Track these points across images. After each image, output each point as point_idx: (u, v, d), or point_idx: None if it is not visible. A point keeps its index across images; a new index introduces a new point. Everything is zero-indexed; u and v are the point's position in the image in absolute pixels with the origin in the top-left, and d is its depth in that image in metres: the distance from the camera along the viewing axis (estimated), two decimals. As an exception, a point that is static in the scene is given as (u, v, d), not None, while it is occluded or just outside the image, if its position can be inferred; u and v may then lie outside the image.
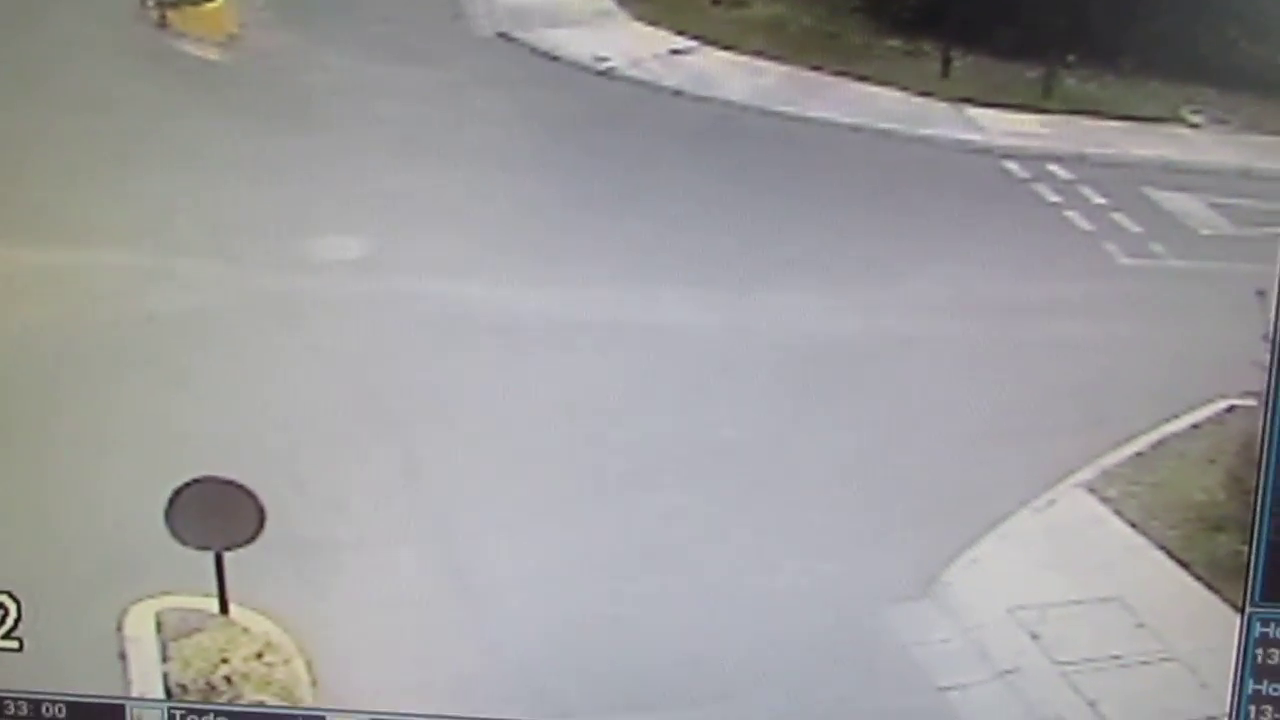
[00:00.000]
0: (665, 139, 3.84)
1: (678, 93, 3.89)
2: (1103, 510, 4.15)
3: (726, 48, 3.95)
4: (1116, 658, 4.04)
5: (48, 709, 4.11)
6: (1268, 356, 3.77)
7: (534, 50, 3.87)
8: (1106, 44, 3.81)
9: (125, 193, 4.05)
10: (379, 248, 3.98)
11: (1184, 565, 4.06)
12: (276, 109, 3.89)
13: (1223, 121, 3.86)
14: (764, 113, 3.92)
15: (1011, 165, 3.94)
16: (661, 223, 3.89)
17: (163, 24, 3.95)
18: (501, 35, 3.82)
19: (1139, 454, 4.12)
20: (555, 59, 3.87)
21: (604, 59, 3.88)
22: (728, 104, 3.93)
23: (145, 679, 4.12)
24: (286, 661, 4.10)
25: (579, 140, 3.83)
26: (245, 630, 4.13)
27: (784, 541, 4.10)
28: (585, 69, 3.90)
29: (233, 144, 3.94)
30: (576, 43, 3.90)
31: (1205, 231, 3.95)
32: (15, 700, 4.12)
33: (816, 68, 3.91)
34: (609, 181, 3.85)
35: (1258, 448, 3.89)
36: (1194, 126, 3.89)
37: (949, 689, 4.06)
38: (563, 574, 4.13)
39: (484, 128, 3.87)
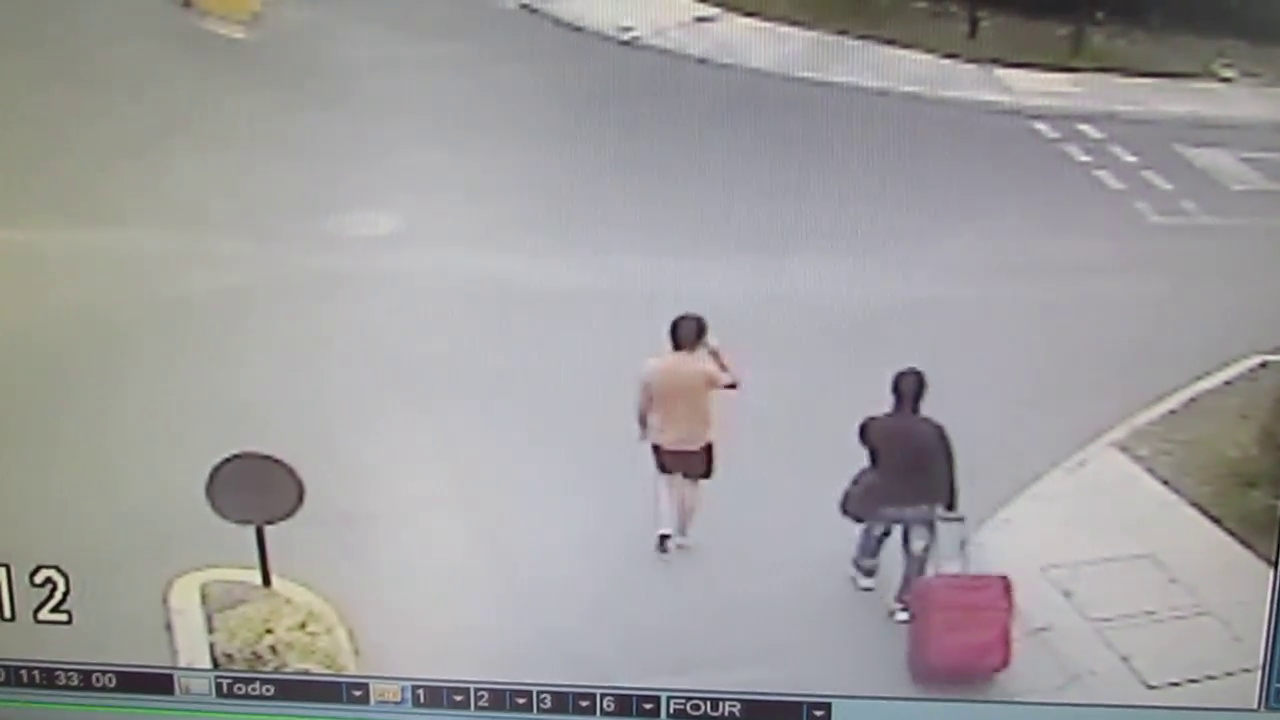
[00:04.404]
0: (690, 108, 3.81)
1: (702, 61, 3.86)
2: (1135, 469, 4.16)
3: (750, 14, 3.91)
4: (1149, 613, 4.05)
5: (98, 679, 4.19)
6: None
7: (557, 21, 3.85)
8: (1136, -2, 3.74)
9: (156, 173, 4.08)
10: (408, 223, 3.99)
11: (1216, 521, 4.07)
12: (303, 86, 3.89)
13: (1255, 74, 3.80)
14: (789, 79, 3.89)
15: (1041, 125, 3.90)
16: (688, 192, 3.88)
17: (187, 2, 3.95)
18: (524, 6, 3.80)
19: (1171, 412, 4.13)
20: (578, 29, 3.85)
21: (628, 29, 3.85)
22: (753, 71, 3.90)
23: (192, 649, 4.19)
24: (329, 631, 4.16)
25: (604, 112, 3.81)
26: (288, 601, 4.19)
27: (817, 507, 4.12)
28: (609, 39, 3.87)
29: (261, 122, 3.95)
30: (599, 12, 3.87)
31: (1237, 187, 3.91)
32: (66, 671, 4.20)
33: (842, 32, 3.87)
34: (635, 152, 3.84)
35: (1291, 403, 3.88)
36: (1225, 80, 3.83)
37: (982, 647, 4.07)
38: (597, 540, 4.18)
39: (509, 101, 3.86)
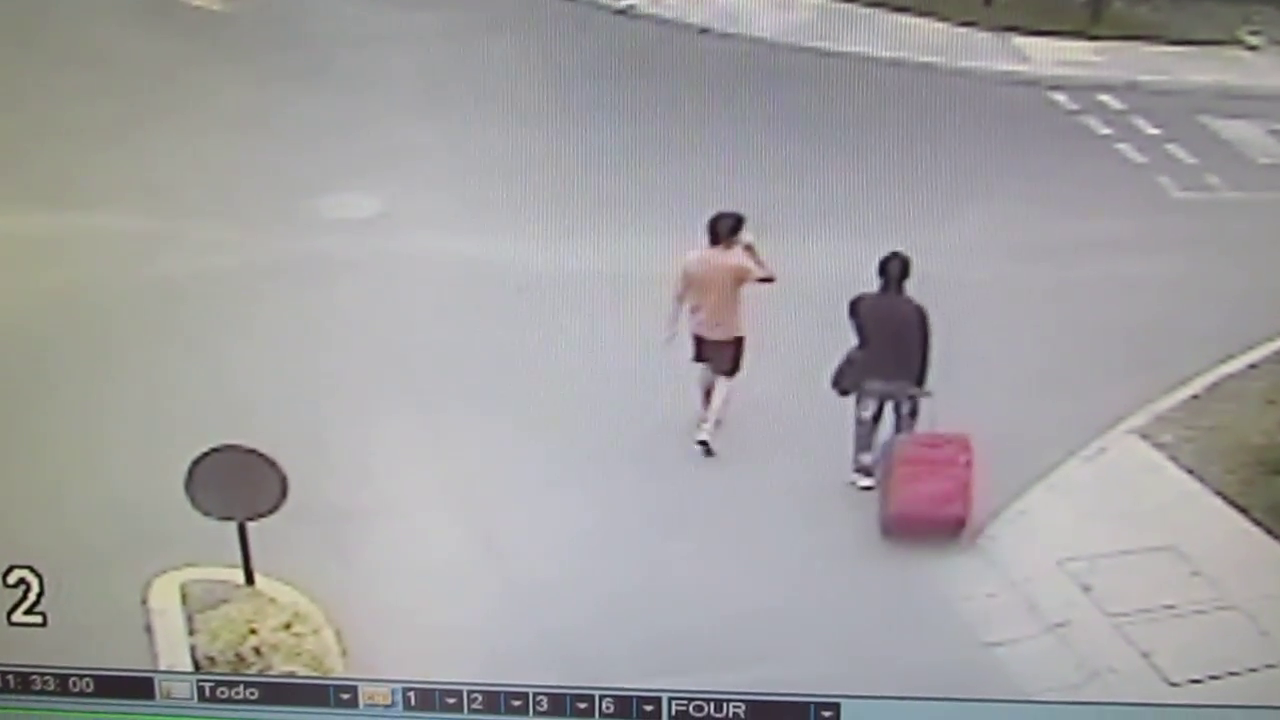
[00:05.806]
0: (691, 81, 3.72)
1: (704, 30, 3.76)
2: (1156, 456, 4.05)
3: (754, -20, 3.78)
4: (1170, 607, 3.94)
5: (75, 683, 4.08)
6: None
7: (549, -12, 3.71)
8: (1158, -37, 3.66)
9: (132, 155, 4.00)
10: (394, 205, 3.90)
11: (1242, 510, 3.98)
12: (283, 61, 3.78)
13: (1283, 42, 3.70)
14: (796, 49, 3.79)
15: (1059, 96, 3.84)
16: (688, 172, 3.79)
17: (159, -27, 3.79)
18: (515, -27, 3.65)
19: (1194, 397, 4.03)
20: (572, -2, 3.71)
21: (625, -5, 3.71)
22: (757, 40, 3.80)
23: (172, 651, 4.06)
24: (315, 631, 4.04)
25: (600, 86, 3.72)
26: (272, 601, 4.07)
27: (824, 498, 4.03)
28: (604, 7, 3.76)
29: (239, 99, 3.84)
30: (595, -21, 3.73)
31: (1264, 160, 3.85)
32: (42, 675, 4.09)
33: (851, -1, 3.76)
34: (633, 128, 3.76)
35: (1320, 387, 3.81)
36: (1253, 49, 3.77)
37: (997, 644, 3.99)
38: (593, 537, 4.04)
39: (499, 75, 3.76)
